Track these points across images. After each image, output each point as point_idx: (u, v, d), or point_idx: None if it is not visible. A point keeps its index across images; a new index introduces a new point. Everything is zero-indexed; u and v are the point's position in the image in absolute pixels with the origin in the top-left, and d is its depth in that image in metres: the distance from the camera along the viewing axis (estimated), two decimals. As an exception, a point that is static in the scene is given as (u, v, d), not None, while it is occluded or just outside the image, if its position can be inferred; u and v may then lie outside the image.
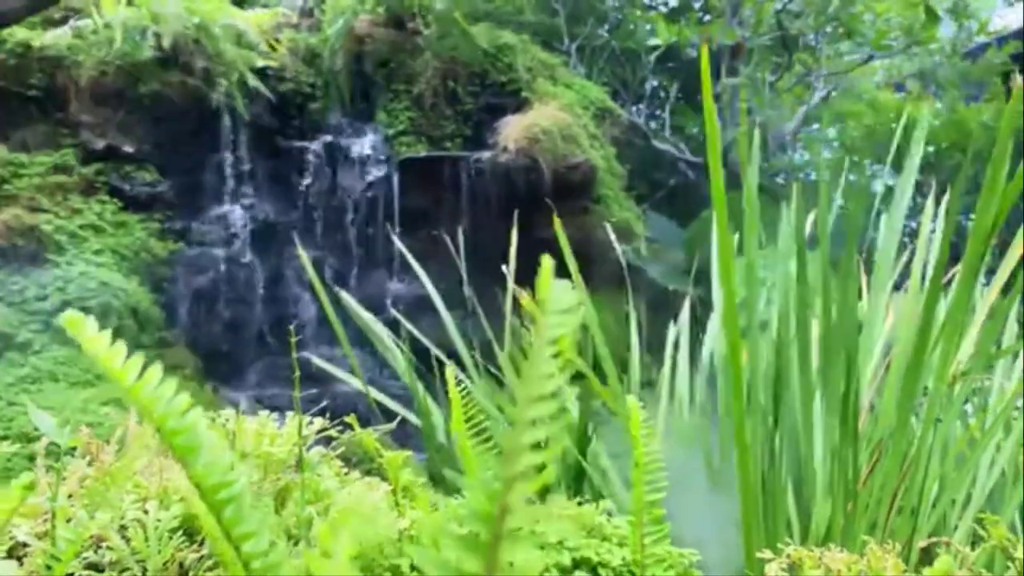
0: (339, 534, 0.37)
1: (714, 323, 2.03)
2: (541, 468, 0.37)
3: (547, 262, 0.38)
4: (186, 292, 5.56)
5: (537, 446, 0.36)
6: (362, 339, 2.32)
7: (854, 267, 1.55)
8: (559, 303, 0.38)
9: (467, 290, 2.19)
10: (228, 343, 5.66)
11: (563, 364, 0.37)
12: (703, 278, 2.44)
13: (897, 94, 8.66)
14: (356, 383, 2.21)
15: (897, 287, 1.96)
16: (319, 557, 0.38)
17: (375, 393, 2.07)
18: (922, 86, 8.14)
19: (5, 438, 3.90)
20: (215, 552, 0.71)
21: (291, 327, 0.80)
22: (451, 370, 0.96)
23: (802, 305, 1.45)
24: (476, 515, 0.37)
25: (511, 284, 2.01)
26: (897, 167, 1.93)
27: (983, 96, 7.88)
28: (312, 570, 0.39)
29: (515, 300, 1.86)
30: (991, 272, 1.92)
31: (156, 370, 0.50)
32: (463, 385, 0.97)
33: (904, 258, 2.03)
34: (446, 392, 2.02)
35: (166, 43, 5.40)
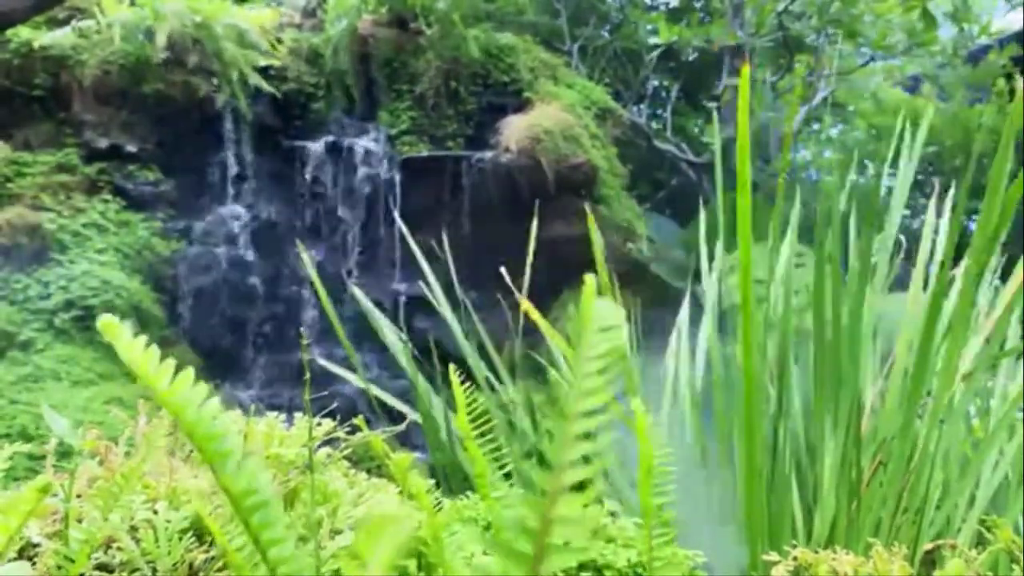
0: (377, 540, 0.38)
1: (707, 324, 2.03)
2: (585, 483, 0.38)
3: (590, 281, 0.38)
4: (188, 291, 5.56)
5: (583, 460, 0.37)
6: (364, 339, 2.32)
7: (857, 266, 1.55)
8: (602, 321, 0.38)
9: (459, 292, 2.19)
10: (229, 342, 5.66)
11: (608, 380, 0.37)
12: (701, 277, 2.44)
13: (904, 94, 8.66)
14: (359, 382, 2.22)
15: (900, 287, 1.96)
16: (355, 562, 0.38)
17: (376, 391, 2.08)
18: (927, 87, 8.15)
19: (7, 436, 3.91)
20: (224, 556, 0.72)
21: (301, 329, 0.80)
22: (453, 370, 0.97)
23: (818, 304, 1.45)
24: (520, 528, 0.38)
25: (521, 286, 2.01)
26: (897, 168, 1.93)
27: (986, 97, 7.88)
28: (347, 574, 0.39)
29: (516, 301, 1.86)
30: (994, 271, 1.93)
31: (188, 375, 0.50)
32: (468, 386, 0.97)
33: (902, 258, 2.03)
34: (448, 390, 2.02)
35: (161, 41, 5.40)
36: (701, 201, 2.26)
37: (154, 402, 0.55)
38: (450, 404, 2.01)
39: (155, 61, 5.47)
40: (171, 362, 0.51)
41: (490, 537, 0.38)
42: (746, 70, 1.19)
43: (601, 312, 0.39)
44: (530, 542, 0.38)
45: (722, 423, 1.74)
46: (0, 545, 0.59)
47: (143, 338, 0.52)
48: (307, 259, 2.28)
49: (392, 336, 2.12)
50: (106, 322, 0.51)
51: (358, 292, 2.14)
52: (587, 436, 0.39)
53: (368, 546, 0.45)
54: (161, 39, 5.40)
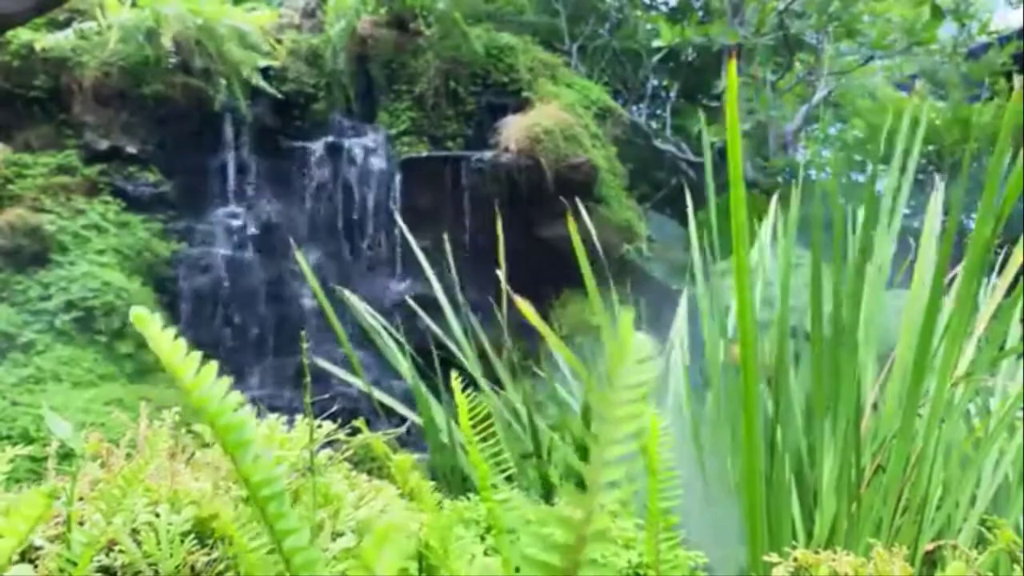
0: (384, 550, 0.39)
1: (707, 325, 2.02)
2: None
3: (627, 317, 0.41)
4: (188, 292, 5.57)
5: (613, 484, 0.39)
6: (365, 340, 2.32)
7: (858, 266, 1.55)
8: (637, 353, 0.41)
9: (459, 294, 2.20)
10: (229, 343, 5.67)
11: (641, 409, 0.40)
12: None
13: (900, 93, 8.66)
14: (359, 383, 2.22)
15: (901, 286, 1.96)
16: (363, 570, 0.39)
17: (378, 394, 2.08)
18: (925, 85, 8.15)
19: (8, 438, 3.91)
20: (232, 553, 0.72)
21: (302, 332, 0.80)
22: (455, 376, 0.97)
23: (816, 304, 1.45)
24: (554, 545, 0.40)
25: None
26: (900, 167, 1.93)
27: (985, 95, 7.88)
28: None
29: (511, 301, 1.86)
30: (992, 270, 1.93)
31: (212, 368, 0.52)
32: (469, 389, 0.97)
33: (906, 257, 2.03)
34: (448, 391, 2.02)
35: (166, 43, 5.41)
36: (690, 205, 2.26)
37: (179, 398, 0.56)
38: (451, 406, 2.01)
39: (159, 63, 5.48)
40: (197, 354, 0.53)
41: (485, 540, 0.40)
42: (733, 64, 1.19)
43: (636, 344, 0.41)
44: (563, 558, 0.40)
45: (722, 423, 1.75)
46: (8, 550, 0.59)
47: (172, 330, 0.54)
48: (303, 261, 2.28)
49: (390, 340, 2.12)
50: (138, 314, 0.53)
51: (352, 298, 2.14)
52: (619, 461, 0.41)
53: (375, 554, 0.46)
54: (166, 41, 5.40)
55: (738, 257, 1.22)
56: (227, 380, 0.53)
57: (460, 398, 0.82)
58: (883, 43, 7.80)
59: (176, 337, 0.54)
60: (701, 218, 2.32)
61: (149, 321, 0.53)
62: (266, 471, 0.53)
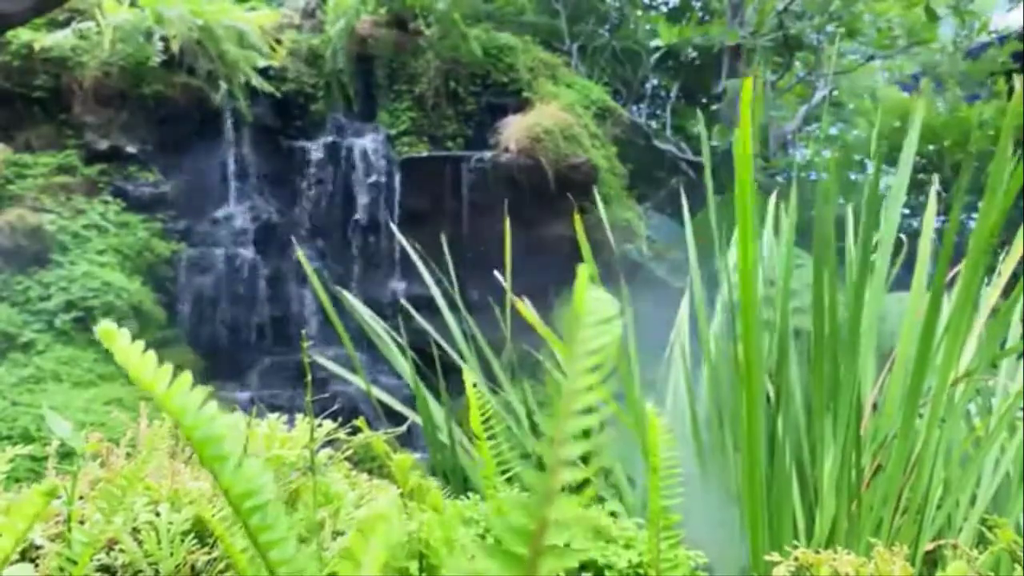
0: (369, 542, 0.38)
1: (703, 324, 2.02)
2: (583, 484, 0.37)
3: (583, 271, 0.36)
4: (188, 292, 5.57)
5: (578, 461, 0.36)
6: (363, 340, 2.32)
7: (862, 265, 1.55)
8: (597, 314, 0.36)
9: (457, 295, 2.19)
10: (229, 342, 5.67)
11: (601, 376, 0.35)
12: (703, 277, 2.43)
13: (902, 93, 8.66)
14: (359, 382, 2.22)
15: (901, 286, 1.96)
16: (349, 563, 0.38)
17: (377, 392, 2.08)
18: (929, 84, 8.15)
19: (9, 438, 3.91)
20: (227, 554, 0.72)
21: (303, 332, 0.80)
22: (468, 372, 0.97)
23: (818, 303, 1.45)
24: (515, 531, 0.37)
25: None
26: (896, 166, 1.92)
27: (985, 95, 7.88)
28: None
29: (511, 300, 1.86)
30: (992, 271, 1.93)
31: (186, 379, 0.50)
32: (477, 387, 0.97)
33: (905, 257, 2.03)
34: (448, 391, 2.01)
35: (173, 47, 5.42)
36: (685, 205, 2.26)
37: (154, 404, 0.55)
38: (450, 407, 2.01)
39: (157, 63, 5.48)
40: (169, 366, 0.51)
41: (486, 539, 0.38)
42: (749, 83, 1.19)
43: (595, 304, 0.37)
44: (526, 544, 0.37)
45: (722, 422, 1.74)
46: (7, 548, 0.59)
47: (140, 342, 0.52)
48: (304, 260, 2.28)
49: (390, 341, 2.12)
50: (104, 328, 0.51)
51: (352, 299, 2.14)
52: (584, 435, 0.38)
53: (362, 546, 0.45)
54: (174, 46, 5.41)
55: (743, 255, 1.22)
56: (204, 390, 0.51)
57: (471, 393, 0.82)
58: (883, 43, 7.80)
59: (144, 350, 0.51)
60: (700, 217, 2.31)
61: (115, 335, 0.51)
62: (249, 482, 0.51)
